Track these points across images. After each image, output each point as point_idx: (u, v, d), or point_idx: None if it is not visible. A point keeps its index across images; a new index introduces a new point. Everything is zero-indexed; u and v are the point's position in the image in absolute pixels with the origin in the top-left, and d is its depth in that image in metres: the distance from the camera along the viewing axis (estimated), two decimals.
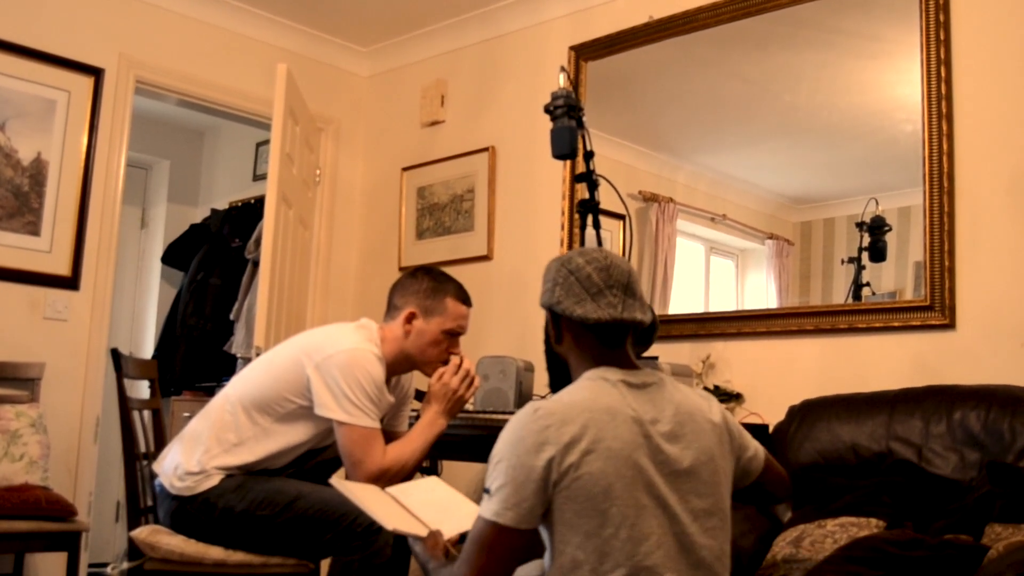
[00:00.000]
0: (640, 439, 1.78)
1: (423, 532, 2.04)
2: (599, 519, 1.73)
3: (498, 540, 1.76)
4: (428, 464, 3.81)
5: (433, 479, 2.51)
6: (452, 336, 2.90)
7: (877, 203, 3.41)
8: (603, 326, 1.90)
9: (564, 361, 1.99)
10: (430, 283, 2.90)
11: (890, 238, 3.39)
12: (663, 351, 3.50)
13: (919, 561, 2.23)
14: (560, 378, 1.97)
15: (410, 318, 2.86)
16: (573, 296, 1.91)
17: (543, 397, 1.93)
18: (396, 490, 2.30)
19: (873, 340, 3.33)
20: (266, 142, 5.22)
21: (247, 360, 4.30)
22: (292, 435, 2.79)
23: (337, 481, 2.31)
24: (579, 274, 1.92)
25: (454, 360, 2.91)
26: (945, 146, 3.18)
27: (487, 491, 1.78)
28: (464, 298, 2.93)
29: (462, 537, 2.06)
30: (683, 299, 4.05)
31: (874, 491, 2.67)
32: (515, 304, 4.39)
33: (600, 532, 1.73)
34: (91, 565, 4.32)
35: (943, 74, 3.21)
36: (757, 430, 3.20)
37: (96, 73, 4.43)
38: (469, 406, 3.48)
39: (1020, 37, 3.13)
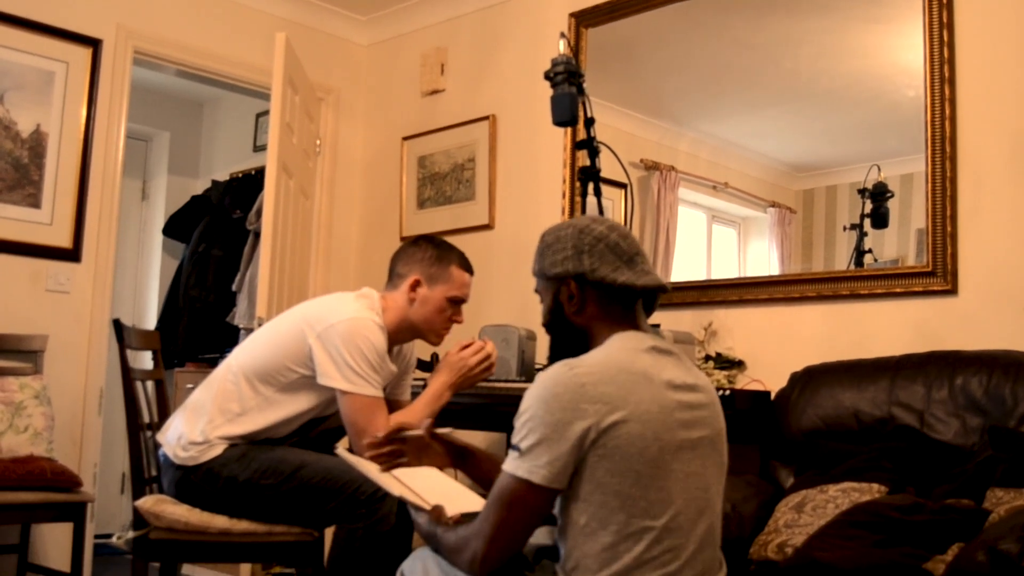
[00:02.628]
0: (673, 404, 1.78)
1: (427, 506, 2.05)
2: (633, 478, 1.71)
3: (526, 498, 1.73)
4: None
5: (433, 469, 2.52)
6: (456, 303, 2.91)
7: (879, 170, 3.40)
8: (647, 292, 1.91)
9: (579, 332, 1.93)
10: (433, 251, 2.91)
11: (892, 205, 3.38)
12: (665, 318, 3.50)
13: (921, 525, 2.25)
14: (573, 350, 1.89)
15: (415, 286, 2.87)
16: (608, 263, 1.88)
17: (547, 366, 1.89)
18: (400, 473, 2.30)
19: (875, 306, 3.32)
20: (266, 113, 5.20)
21: (249, 331, 4.30)
22: (295, 404, 2.80)
23: (344, 453, 2.32)
24: (607, 241, 1.89)
25: (479, 342, 2.93)
26: (948, 111, 3.16)
27: (515, 448, 1.75)
28: (467, 266, 2.95)
29: (464, 516, 2.07)
30: (685, 267, 4.04)
31: (876, 456, 2.68)
32: (517, 273, 4.38)
33: (632, 492, 1.71)
34: (97, 536, 4.35)
35: (946, 38, 3.18)
36: (759, 397, 3.21)
37: (94, 44, 4.40)
38: None
39: (1022, 1, 3.10)
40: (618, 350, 1.82)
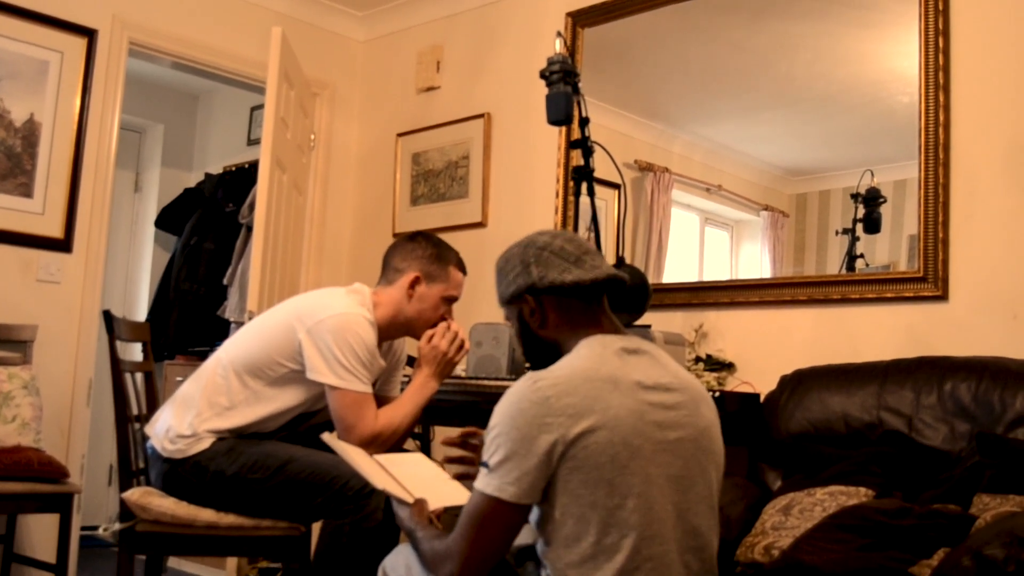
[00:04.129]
0: (644, 406, 1.76)
1: (409, 499, 2.04)
2: (606, 488, 1.70)
3: (497, 516, 1.73)
4: (420, 430, 3.82)
5: (419, 455, 2.52)
6: (449, 302, 2.93)
7: (873, 175, 3.41)
8: (599, 285, 1.90)
9: (550, 346, 1.93)
10: (433, 249, 2.92)
11: (885, 210, 3.39)
12: (656, 319, 3.49)
13: (908, 530, 2.25)
14: (549, 363, 1.88)
15: (414, 283, 2.87)
16: (556, 268, 1.89)
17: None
18: (384, 459, 2.31)
19: (866, 311, 3.33)
20: (261, 106, 5.18)
21: (240, 324, 4.30)
22: (283, 399, 2.79)
23: (329, 438, 2.32)
24: (551, 248, 1.91)
25: (442, 324, 2.93)
26: (942, 118, 3.16)
27: (485, 465, 1.74)
28: (463, 267, 2.98)
29: (446, 510, 2.06)
30: (677, 269, 4.05)
31: (864, 461, 2.68)
32: None
33: (607, 502, 1.70)
34: (83, 528, 4.34)
35: (941, 45, 3.19)
36: (748, 399, 3.21)
37: (89, 34, 4.39)
38: (461, 372, 3.49)
39: (1018, 9, 3.11)
40: (583, 357, 1.81)
